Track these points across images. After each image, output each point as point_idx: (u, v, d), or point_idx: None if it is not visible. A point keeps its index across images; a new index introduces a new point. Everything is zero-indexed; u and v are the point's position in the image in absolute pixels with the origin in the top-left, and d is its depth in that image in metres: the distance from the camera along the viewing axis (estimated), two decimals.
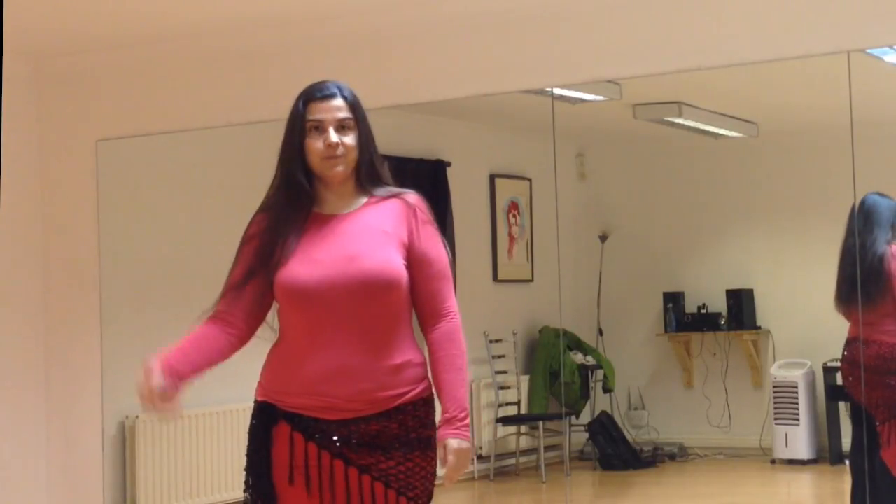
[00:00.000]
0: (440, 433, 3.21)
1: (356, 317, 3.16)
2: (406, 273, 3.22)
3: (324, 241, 3.23)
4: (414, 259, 3.24)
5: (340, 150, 3.23)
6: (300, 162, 3.25)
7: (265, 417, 3.23)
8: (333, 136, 3.22)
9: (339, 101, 3.26)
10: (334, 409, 3.16)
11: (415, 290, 3.25)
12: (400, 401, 3.19)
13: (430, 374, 3.32)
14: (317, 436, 3.17)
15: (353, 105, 3.27)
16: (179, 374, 3.18)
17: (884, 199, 5.86)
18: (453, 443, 3.20)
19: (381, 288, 3.17)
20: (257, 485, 3.22)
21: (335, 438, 3.17)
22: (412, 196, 3.32)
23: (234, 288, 3.26)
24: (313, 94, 3.27)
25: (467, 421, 3.24)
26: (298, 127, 3.25)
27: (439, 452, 3.22)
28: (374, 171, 3.30)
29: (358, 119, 3.27)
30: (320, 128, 3.23)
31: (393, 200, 3.29)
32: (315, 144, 3.23)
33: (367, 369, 3.17)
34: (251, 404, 3.31)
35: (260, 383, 3.28)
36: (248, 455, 3.25)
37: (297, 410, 3.18)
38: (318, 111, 3.24)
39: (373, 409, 3.17)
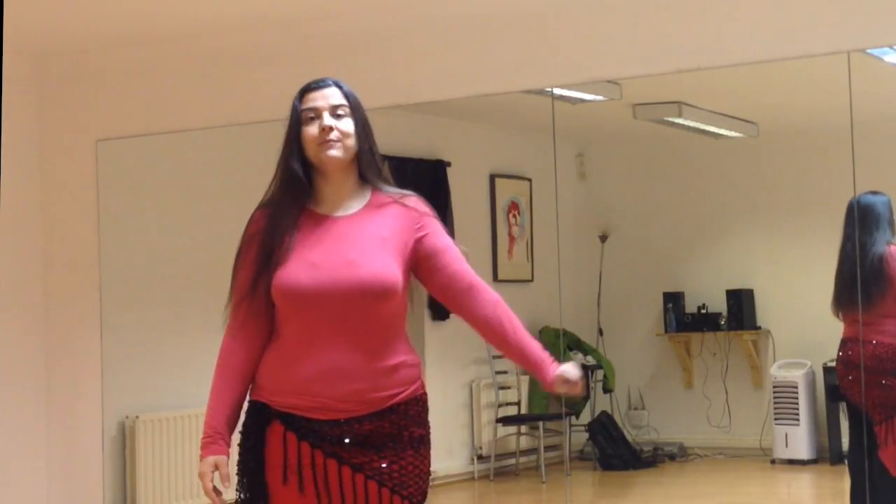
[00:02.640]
0: (551, 369, 3.17)
1: (351, 321, 3.16)
2: (402, 280, 3.20)
3: (322, 243, 3.21)
4: (429, 253, 3.24)
5: (335, 135, 3.21)
6: (297, 153, 3.25)
7: (259, 417, 3.22)
8: (328, 120, 3.22)
9: (333, 90, 3.27)
10: (327, 410, 3.16)
11: (437, 278, 3.25)
12: (393, 401, 3.19)
13: (424, 375, 3.32)
14: (310, 435, 3.17)
15: (348, 94, 3.28)
16: (228, 441, 3.26)
17: (878, 198, 5.85)
18: (566, 366, 3.17)
19: (378, 295, 3.16)
20: (250, 484, 3.22)
21: (328, 438, 3.17)
22: (411, 199, 3.31)
23: (244, 297, 3.24)
24: (308, 86, 3.29)
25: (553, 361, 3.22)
26: (295, 119, 3.26)
27: (558, 385, 3.16)
28: (374, 162, 3.29)
29: (353, 108, 3.27)
30: (315, 115, 3.24)
31: (392, 206, 3.27)
32: (310, 131, 3.23)
33: (361, 370, 3.16)
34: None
35: (255, 383, 3.27)
36: (241, 454, 3.24)
37: (290, 410, 3.17)
38: (313, 99, 3.25)
39: (366, 410, 3.17)
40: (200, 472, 3.23)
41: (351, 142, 3.24)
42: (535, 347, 3.24)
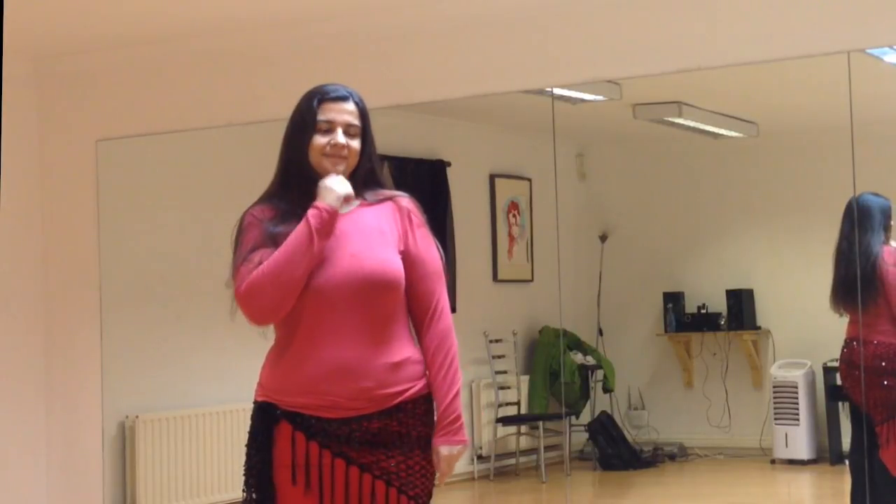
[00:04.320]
0: (434, 440, 3.24)
1: (356, 315, 3.19)
2: (403, 272, 3.24)
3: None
4: (407, 260, 3.28)
5: (345, 153, 3.28)
6: (306, 158, 3.28)
7: (266, 417, 3.23)
8: (341, 138, 3.27)
9: (351, 106, 3.31)
10: (336, 408, 3.18)
11: (408, 290, 3.28)
12: (400, 398, 3.22)
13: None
14: (319, 435, 3.18)
15: (363, 113, 3.33)
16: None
17: (876, 200, 5.87)
18: (444, 450, 3.24)
19: (382, 287, 3.20)
20: (258, 485, 3.22)
21: (337, 436, 3.18)
22: (405, 199, 3.35)
23: (256, 251, 3.21)
24: (327, 93, 3.31)
25: (459, 423, 3.25)
26: (309, 124, 3.28)
27: (433, 458, 3.25)
28: (371, 178, 3.35)
29: (365, 128, 3.32)
30: (330, 128, 3.28)
31: (387, 203, 3.33)
32: (320, 141, 3.27)
33: (367, 367, 3.18)
34: (251, 404, 3.32)
35: (259, 384, 3.29)
36: (249, 455, 3.26)
37: (299, 409, 3.19)
38: (330, 111, 3.29)
39: (374, 407, 3.19)
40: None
41: (355, 161, 3.31)
42: (448, 401, 3.23)
